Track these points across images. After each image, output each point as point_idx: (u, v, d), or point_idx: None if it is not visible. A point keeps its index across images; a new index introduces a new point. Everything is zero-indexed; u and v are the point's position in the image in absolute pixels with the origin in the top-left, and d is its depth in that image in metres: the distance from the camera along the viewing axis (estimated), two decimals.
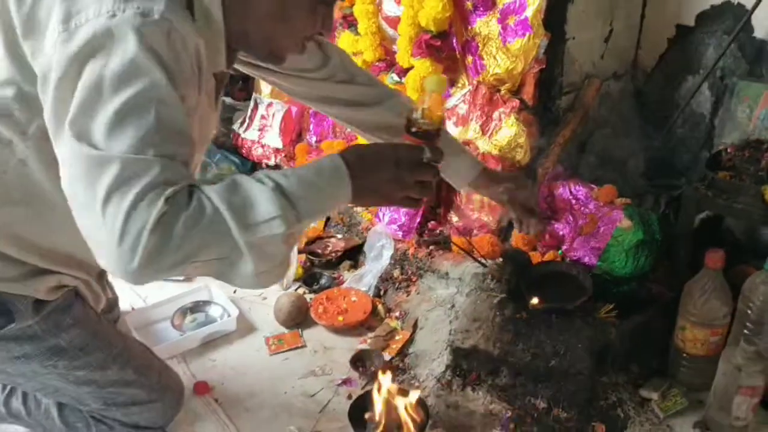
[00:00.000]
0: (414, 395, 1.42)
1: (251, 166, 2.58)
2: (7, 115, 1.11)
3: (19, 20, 1.03)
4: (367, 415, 1.44)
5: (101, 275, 1.46)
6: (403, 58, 1.97)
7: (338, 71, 1.44)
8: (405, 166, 1.09)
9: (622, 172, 1.90)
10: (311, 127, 2.47)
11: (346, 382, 1.72)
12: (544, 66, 1.76)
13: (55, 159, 1.01)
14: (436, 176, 1.14)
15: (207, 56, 1.07)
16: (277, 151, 2.46)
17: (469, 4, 1.85)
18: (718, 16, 1.78)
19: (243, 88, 3.31)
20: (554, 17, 1.73)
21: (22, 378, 1.39)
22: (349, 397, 1.66)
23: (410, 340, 1.81)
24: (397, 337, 1.83)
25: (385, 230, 2.01)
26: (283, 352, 1.83)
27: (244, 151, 2.56)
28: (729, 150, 1.66)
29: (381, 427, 1.42)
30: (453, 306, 1.77)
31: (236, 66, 1.31)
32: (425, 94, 1.14)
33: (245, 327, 1.92)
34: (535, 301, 1.58)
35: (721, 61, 1.76)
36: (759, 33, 1.71)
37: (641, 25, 1.95)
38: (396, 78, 2.03)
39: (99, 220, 0.92)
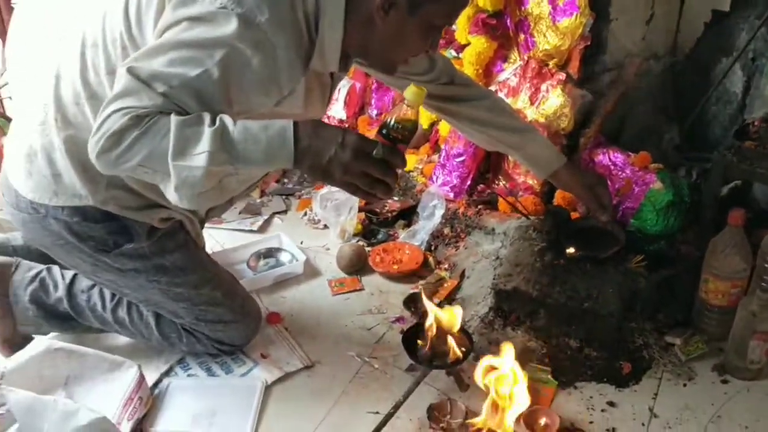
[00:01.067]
0: (458, 310, 1.62)
1: None
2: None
3: None
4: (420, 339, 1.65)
5: (203, 219, 1.71)
6: (461, 35, 2.17)
7: (442, 75, 1.69)
8: (348, 151, 1.18)
9: (657, 145, 2.07)
10: (373, 101, 2.69)
11: (399, 319, 1.93)
12: (588, 43, 1.95)
13: None
14: (392, 178, 1.21)
15: (316, 59, 1.30)
16: (340, 122, 2.69)
17: None
18: (751, 2, 1.94)
19: None
20: None
21: (129, 289, 1.63)
22: (402, 332, 1.87)
23: (457, 287, 2.01)
24: (445, 285, 2.03)
25: (437, 191, 2.22)
26: (344, 293, 2.05)
27: None
28: (756, 123, 1.83)
29: (429, 351, 1.63)
30: (497, 258, 1.97)
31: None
32: (403, 104, 1.22)
33: (311, 271, 2.15)
34: (571, 249, 1.77)
35: (753, 43, 1.91)
36: None
37: (680, 9, 2.11)
38: (454, 53, 2.23)
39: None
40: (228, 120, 1.18)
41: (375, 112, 2.69)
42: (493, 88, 2.16)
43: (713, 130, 2.09)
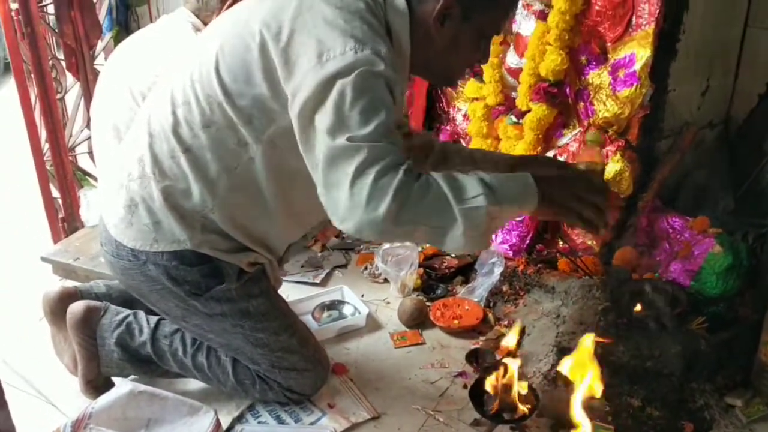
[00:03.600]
0: (524, 384, 1.68)
1: None
2: (249, 122, 1.47)
3: (276, 53, 1.38)
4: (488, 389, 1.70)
5: (280, 260, 1.80)
6: (522, 102, 2.29)
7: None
8: (580, 184, 1.38)
9: (713, 210, 2.14)
10: None
11: (461, 374, 1.97)
12: (648, 112, 2.04)
13: (275, 162, 1.46)
14: (608, 209, 1.40)
15: (399, 80, 1.41)
16: None
17: (583, 59, 2.16)
18: None
19: None
20: (658, 71, 2.01)
21: (213, 333, 1.71)
22: (465, 387, 1.91)
23: (518, 344, 2.06)
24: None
25: (497, 249, 2.30)
26: (406, 346, 2.10)
27: None
28: None
29: (497, 405, 1.68)
30: (558, 316, 2.03)
31: None
32: (586, 146, 1.39)
33: (373, 324, 2.21)
34: (638, 307, 1.83)
35: None
36: None
37: (735, 82, 2.21)
38: (514, 119, 2.34)
39: (347, 193, 1.26)
40: (478, 173, 1.34)
41: None
42: (552, 152, 2.26)
43: (767, 197, 2.15)
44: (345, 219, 1.29)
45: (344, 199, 1.27)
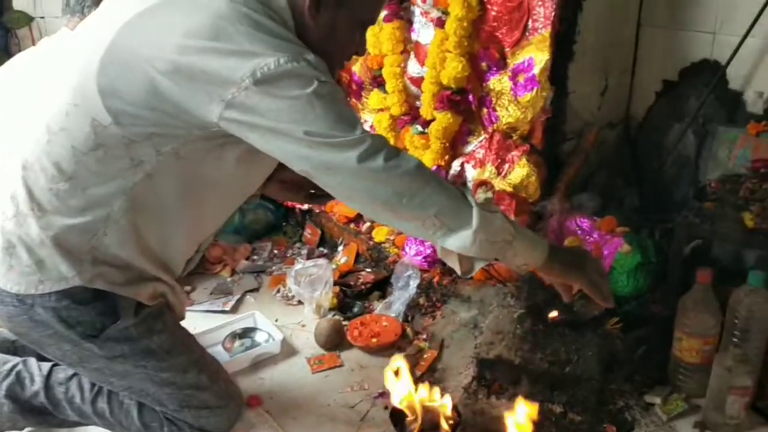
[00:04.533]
0: (448, 399, 1.64)
1: (284, 213, 2.83)
2: (146, 139, 1.36)
3: (183, 73, 1.29)
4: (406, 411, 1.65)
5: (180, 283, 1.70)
6: (426, 111, 2.25)
7: None
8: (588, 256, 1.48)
9: (619, 208, 2.16)
10: None
11: (382, 395, 1.91)
12: (550, 115, 2.04)
13: (180, 174, 1.38)
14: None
15: None
16: None
17: (484, 65, 2.14)
18: (697, 72, 2.07)
19: None
20: (558, 74, 2.02)
21: (115, 377, 1.59)
22: (386, 408, 1.85)
23: (438, 358, 2.02)
24: (425, 356, 2.04)
25: (411, 262, 2.25)
26: (324, 370, 2.03)
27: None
28: (713, 185, 1.93)
29: (419, 427, 1.63)
30: (475, 326, 2.00)
31: None
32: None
33: (288, 350, 2.12)
34: (554, 313, 1.81)
35: (702, 110, 2.04)
36: (733, 85, 2.00)
37: (632, 80, 2.24)
38: (420, 129, 2.31)
39: (376, 175, 1.28)
40: None
41: None
42: (459, 160, 2.24)
43: (670, 193, 2.19)
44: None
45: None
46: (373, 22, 1.52)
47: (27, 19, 2.88)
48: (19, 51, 2.86)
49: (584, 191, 2.16)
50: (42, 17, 2.86)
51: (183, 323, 1.71)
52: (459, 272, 1.41)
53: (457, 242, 1.32)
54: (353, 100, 2.73)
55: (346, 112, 1.31)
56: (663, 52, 2.14)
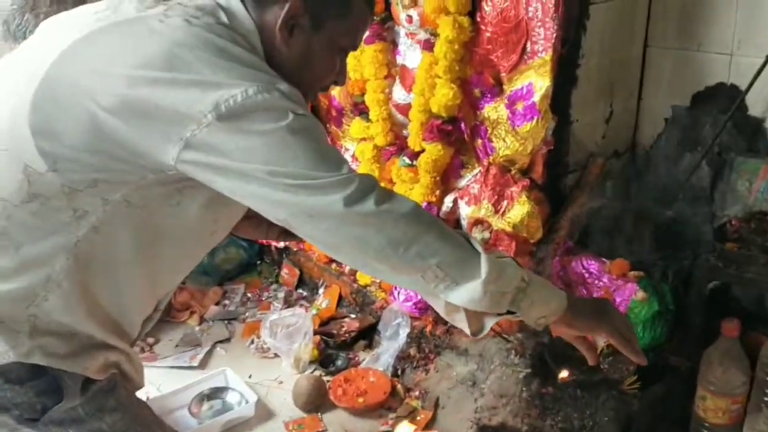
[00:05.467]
0: None
1: (258, 250, 2.61)
2: (91, 186, 1.15)
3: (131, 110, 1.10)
4: None
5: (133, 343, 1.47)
6: (414, 141, 2.05)
7: None
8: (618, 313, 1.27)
9: (628, 245, 1.96)
10: None
11: None
12: (552, 147, 1.84)
13: (132, 223, 1.18)
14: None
15: None
16: None
17: (477, 92, 1.94)
18: (712, 97, 1.89)
19: None
20: (559, 101, 1.82)
21: None
22: None
23: (432, 419, 1.81)
24: (418, 417, 1.82)
25: (400, 308, 2.04)
26: None
27: None
28: (733, 222, 1.74)
29: None
30: (474, 383, 1.79)
31: None
32: None
33: (264, 413, 1.90)
34: (564, 374, 1.60)
35: (718, 137, 1.86)
36: (753, 111, 1.82)
37: (638, 105, 2.05)
38: (407, 161, 2.10)
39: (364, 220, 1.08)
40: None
41: None
42: (452, 196, 2.03)
43: (683, 228, 2.00)
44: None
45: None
46: (354, 47, 1.33)
47: None
48: None
49: (590, 228, 1.97)
50: None
51: (146, 382, 1.47)
52: (468, 332, 1.22)
53: (465, 296, 1.13)
54: (333, 127, 2.52)
55: (327, 148, 1.12)
56: (673, 74, 1.96)
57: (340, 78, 1.35)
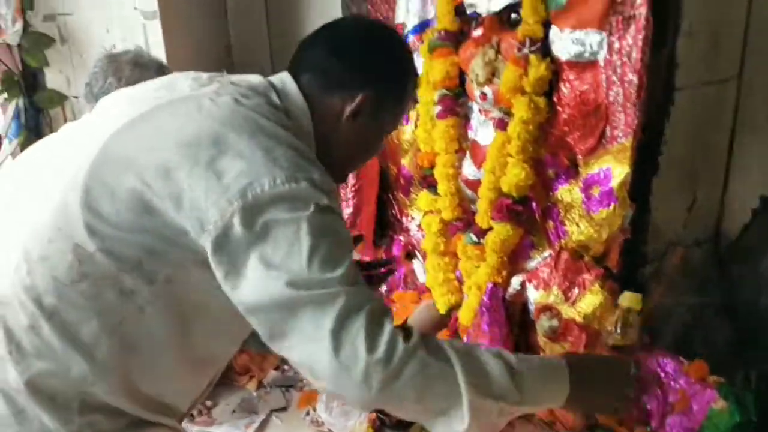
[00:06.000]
0: None
1: None
2: (136, 267, 1.15)
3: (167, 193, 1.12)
4: None
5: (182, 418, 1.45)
6: (482, 219, 1.98)
7: None
8: (623, 380, 1.28)
9: (707, 344, 1.84)
10: None
11: None
12: (629, 236, 1.75)
13: (172, 303, 1.18)
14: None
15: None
16: None
17: (551, 172, 1.87)
18: None
19: None
20: (639, 188, 1.73)
21: None
22: None
23: None
24: None
25: None
26: None
27: None
28: None
29: None
30: None
31: None
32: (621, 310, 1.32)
33: None
34: None
35: None
36: None
37: (723, 194, 1.94)
38: (474, 238, 2.03)
39: (328, 353, 1.05)
40: (506, 354, 1.17)
41: (384, 288, 2.47)
42: (519, 277, 1.95)
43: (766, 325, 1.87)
44: (325, 379, 1.09)
45: (325, 360, 1.06)
46: (394, 130, 1.49)
47: (60, 99, 2.73)
48: (50, 132, 2.73)
49: (667, 323, 1.85)
50: (76, 97, 2.71)
51: None
52: None
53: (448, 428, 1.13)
54: (400, 195, 2.49)
55: (336, 249, 1.11)
56: (763, 164, 1.84)
57: (379, 156, 1.54)
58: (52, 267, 1.18)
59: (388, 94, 1.33)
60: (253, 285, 1.10)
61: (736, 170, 1.91)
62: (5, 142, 2.64)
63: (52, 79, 2.80)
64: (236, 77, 1.33)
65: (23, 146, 2.53)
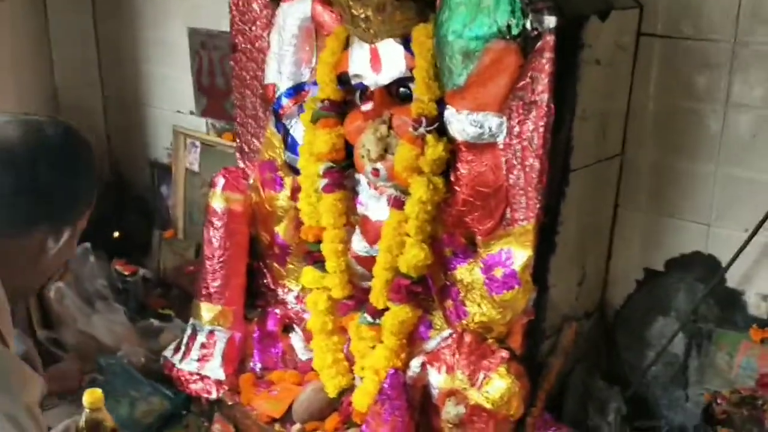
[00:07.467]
0: None
1: (185, 399, 2.33)
2: None
3: None
4: None
5: None
6: (378, 299, 1.88)
7: None
8: None
9: (603, 414, 1.87)
10: (255, 353, 2.29)
11: None
12: (533, 317, 1.73)
13: None
14: None
15: None
16: (219, 383, 2.24)
17: (448, 251, 1.82)
18: (688, 264, 1.85)
19: (162, 295, 3.03)
20: (539, 269, 1.72)
21: None
22: None
23: None
24: None
25: None
26: None
27: (179, 384, 2.31)
28: (719, 401, 1.68)
29: None
30: None
31: None
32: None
33: None
34: None
35: (692, 305, 1.82)
36: (731, 282, 1.79)
37: (607, 265, 1.99)
38: (369, 319, 1.92)
39: None
40: None
41: (259, 366, 2.28)
42: (419, 359, 1.86)
43: (655, 395, 1.94)
44: None
45: None
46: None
47: None
48: None
49: (563, 395, 1.86)
50: None
51: None
52: None
53: None
54: (275, 264, 2.32)
55: None
56: (644, 238, 1.92)
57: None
58: None
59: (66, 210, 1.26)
60: None
61: (619, 243, 1.97)
62: None
63: None
64: None
65: None
